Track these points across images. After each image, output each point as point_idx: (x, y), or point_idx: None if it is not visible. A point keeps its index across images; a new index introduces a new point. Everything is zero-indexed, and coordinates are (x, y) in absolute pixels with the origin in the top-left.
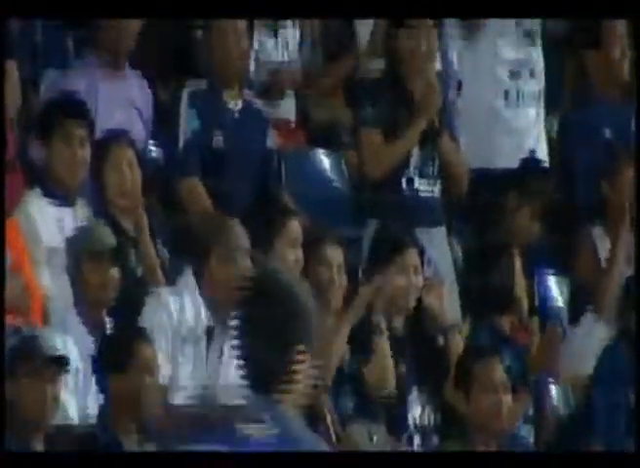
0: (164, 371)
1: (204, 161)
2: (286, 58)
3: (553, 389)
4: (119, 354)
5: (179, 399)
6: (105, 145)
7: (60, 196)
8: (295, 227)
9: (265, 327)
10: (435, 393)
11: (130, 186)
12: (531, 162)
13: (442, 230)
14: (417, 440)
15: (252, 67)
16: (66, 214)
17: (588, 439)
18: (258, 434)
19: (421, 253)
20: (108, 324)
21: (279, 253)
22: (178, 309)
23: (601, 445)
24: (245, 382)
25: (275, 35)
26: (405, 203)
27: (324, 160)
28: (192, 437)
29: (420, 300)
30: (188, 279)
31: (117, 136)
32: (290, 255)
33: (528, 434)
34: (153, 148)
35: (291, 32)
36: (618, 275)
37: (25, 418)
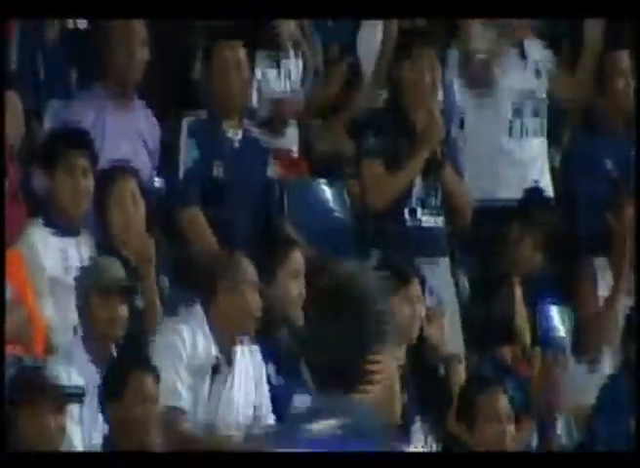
0: (171, 401)
1: (204, 190)
2: (288, 89)
3: (556, 419)
4: (119, 383)
5: (184, 427)
6: (109, 176)
7: (64, 226)
8: (297, 258)
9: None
10: (438, 423)
11: (134, 221)
12: (534, 193)
13: (445, 261)
14: None
15: (254, 98)
16: (70, 244)
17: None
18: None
19: (423, 283)
20: (115, 355)
21: (282, 284)
22: (186, 340)
23: None
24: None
25: (278, 65)
26: (407, 233)
27: (326, 190)
28: None
29: (421, 330)
30: (196, 310)
31: (121, 168)
32: (292, 286)
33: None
34: (157, 179)
35: (293, 62)
36: (620, 306)
37: (27, 448)
